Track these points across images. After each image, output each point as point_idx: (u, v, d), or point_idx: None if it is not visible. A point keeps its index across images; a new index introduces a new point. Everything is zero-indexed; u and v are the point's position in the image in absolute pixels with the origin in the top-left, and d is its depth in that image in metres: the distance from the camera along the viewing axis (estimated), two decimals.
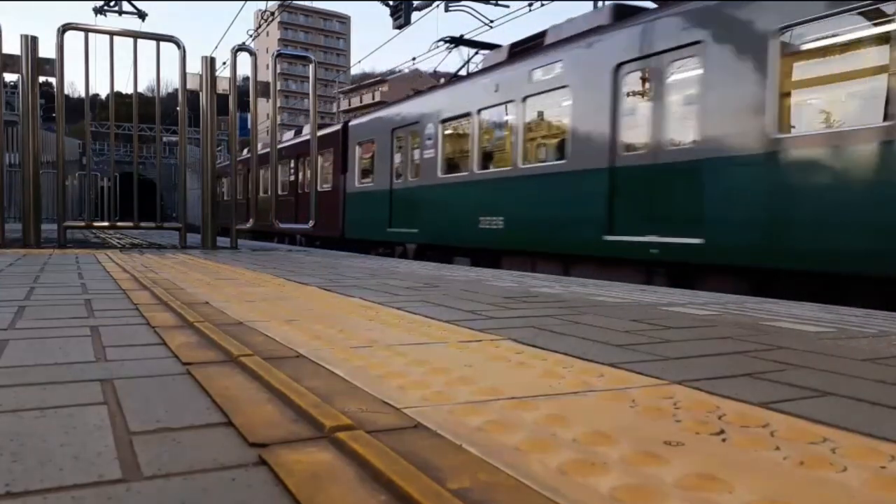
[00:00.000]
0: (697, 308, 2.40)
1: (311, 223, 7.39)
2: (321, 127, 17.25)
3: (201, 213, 6.85)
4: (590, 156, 7.34)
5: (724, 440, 0.88)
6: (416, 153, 11.38)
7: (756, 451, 0.84)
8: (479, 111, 9.67)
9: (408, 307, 2.25)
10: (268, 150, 18.75)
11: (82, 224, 7.92)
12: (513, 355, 1.43)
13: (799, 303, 2.80)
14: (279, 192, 18.20)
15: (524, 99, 8.64)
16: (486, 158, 9.71)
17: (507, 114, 9.18)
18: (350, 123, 14.64)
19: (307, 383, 1.13)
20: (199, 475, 0.73)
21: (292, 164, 18.17)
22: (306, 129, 17.83)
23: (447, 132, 10.65)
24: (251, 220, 7.65)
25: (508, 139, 9.08)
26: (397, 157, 12.17)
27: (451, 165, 10.57)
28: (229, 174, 21.80)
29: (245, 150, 20.23)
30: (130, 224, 6.76)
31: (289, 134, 20.73)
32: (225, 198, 22.71)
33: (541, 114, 8.64)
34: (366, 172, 13.61)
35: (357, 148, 13.91)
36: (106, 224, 9.89)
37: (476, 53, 14.06)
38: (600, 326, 1.89)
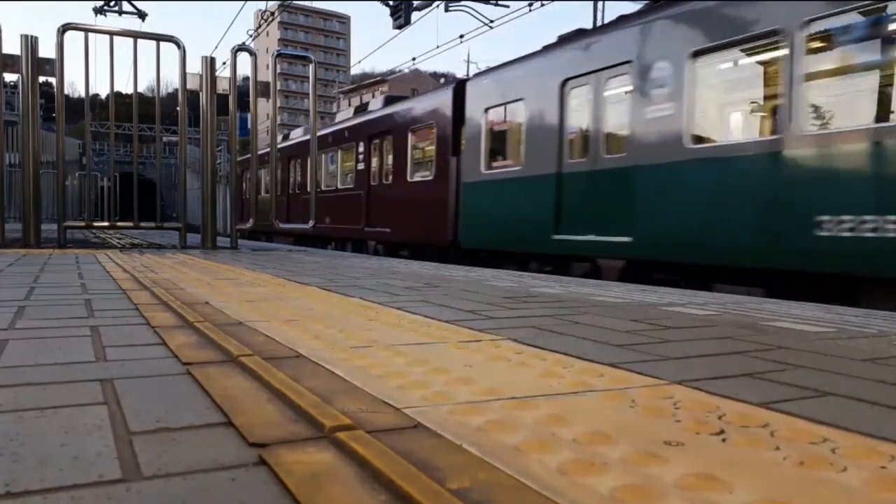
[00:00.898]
0: (697, 308, 2.40)
1: (311, 223, 7.37)
2: (396, 100, 13.26)
3: (201, 213, 6.85)
4: None
5: (724, 440, 0.88)
6: (621, 113, 7.06)
7: (756, 451, 0.84)
8: (806, 23, 5.27)
9: (408, 307, 2.25)
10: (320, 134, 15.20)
11: (82, 224, 7.92)
12: (513, 355, 1.43)
13: (799, 303, 2.80)
14: (339, 186, 14.69)
15: None
16: (830, 108, 5.39)
17: None
18: (470, 82, 10.00)
19: (307, 383, 1.13)
20: (199, 475, 0.73)
21: (361, 149, 13.67)
22: (374, 104, 13.92)
23: (707, 71, 6.23)
24: (251, 221, 7.63)
25: None
26: (572, 124, 7.76)
27: (709, 127, 6.40)
28: (250, 168, 19.63)
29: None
30: (130, 224, 6.76)
31: (344, 113, 16.51)
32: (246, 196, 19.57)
33: None
34: (500, 152, 9.22)
35: (484, 117, 9.29)
36: (106, 224, 9.89)
37: None
38: (600, 326, 1.89)
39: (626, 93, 7.03)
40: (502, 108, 9.09)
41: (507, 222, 8.83)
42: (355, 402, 1.03)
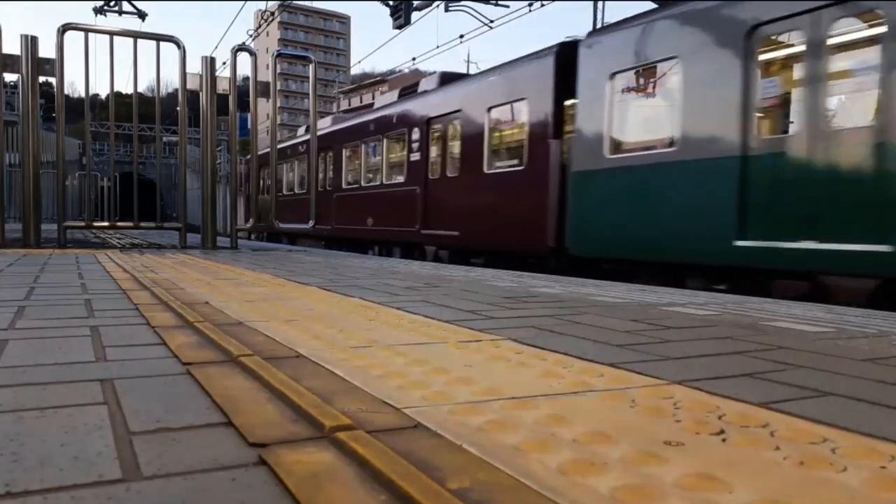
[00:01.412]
0: (697, 308, 2.40)
1: (311, 223, 7.36)
2: (456, 77, 11.27)
3: (201, 213, 6.85)
4: None
5: (724, 440, 0.88)
6: (870, 68, 4.97)
7: (756, 451, 0.84)
8: None
9: (408, 307, 2.25)
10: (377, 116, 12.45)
11: (82, 224, 7.92)
12: (513, 355, 1.43)
13: (798, 303, 2.80)
14: (385, 181, 12.42)
15: None
16: None
17: None
18: (586, 42, 7.46)
19: (307, 383, 1.13)
20: (199, 475, 0.73)
21: (415, 136, 11.22)
22: (428, 83, 11.81)
23: None
24: (251, 221, 7.63)
25: None
26: (768, 87, 5.64)
27: None
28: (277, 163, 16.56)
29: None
30: (130, 224, 6.76)
31: (388, 96, 13.77)
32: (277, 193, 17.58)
33: None
34: (635, 130, 6.97)
35: (609, 85, 6.98)
36: (106, 224, 9.89)
37: None
38: (600, 326, 1.89)
39: (883, 37, 4.79)
40: (640, 71, 6.73)
41: (649, 223, 6.49)
42: (355, 402, 1.03)
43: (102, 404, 1.01)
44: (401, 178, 11.74)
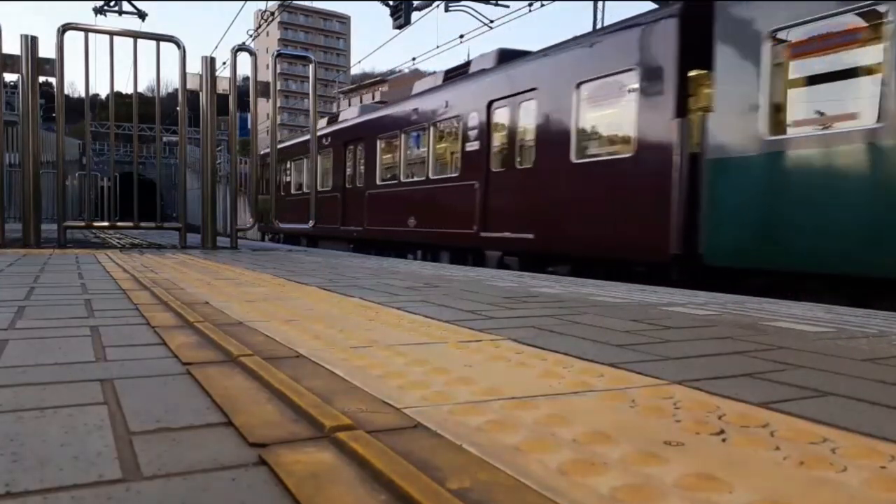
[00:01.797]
0: (697, 308, 2.40)
1: (311, 223, 7.36)
2: (517, 54, 9.35)
3: (201, 212, 6.85)
4: None
5: (724, 440, 0.88)
6: None
7: (756, 451, 0.84)
8: None
9: (408, 307, 2.25)
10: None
11: (82, 224, 7.93)
12: (513, 355, 1.43)
13: (798, 303, 2.80)
14: (431, 176, 10.65)
15: None
16: None
17: None
18: None
19: (307, 383, 1.13)
20: (199, 475, 0.73)
21: (472, 123, 9.51)
22: (483, 62, 10.06)
23: None
24: (251, 221, 7.63)
25: None
26: None
27: None
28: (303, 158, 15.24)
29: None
30: (130, 224, 6.77)
31: (430, 80, 11.86)
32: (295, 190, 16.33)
33: None
34: (808, 103, 5.44)
35: (765, 47, 5.40)
36: (106, 224, 9.90)
37: None
38: (600, 326, 1.89)
39: None
40: (817, 25, 5.10)
41: (836, 224, 4.86)
42: (355, 402, 1.03)
43: (102, 404, 1.01)
44: (453, 172, 9.99)
